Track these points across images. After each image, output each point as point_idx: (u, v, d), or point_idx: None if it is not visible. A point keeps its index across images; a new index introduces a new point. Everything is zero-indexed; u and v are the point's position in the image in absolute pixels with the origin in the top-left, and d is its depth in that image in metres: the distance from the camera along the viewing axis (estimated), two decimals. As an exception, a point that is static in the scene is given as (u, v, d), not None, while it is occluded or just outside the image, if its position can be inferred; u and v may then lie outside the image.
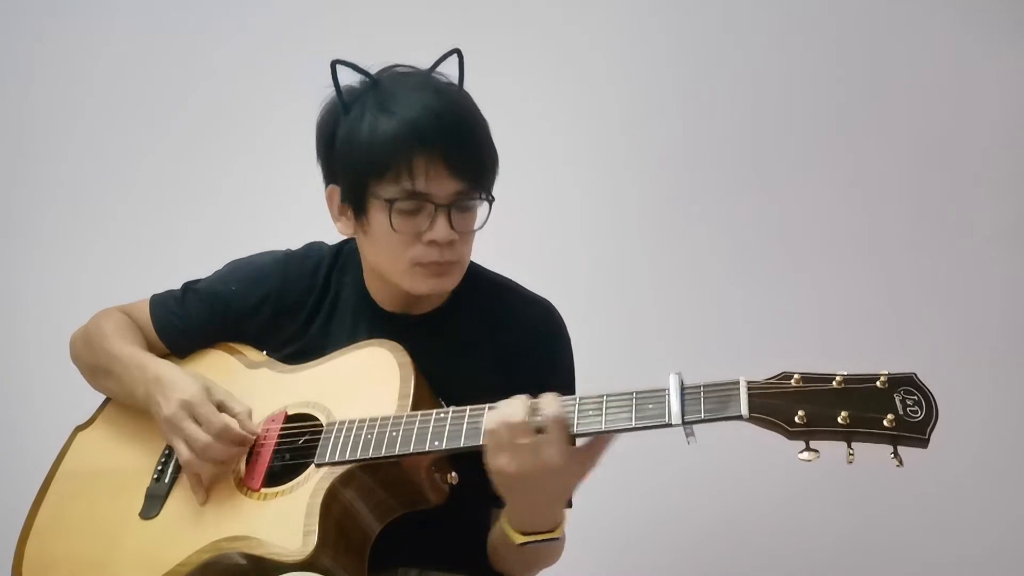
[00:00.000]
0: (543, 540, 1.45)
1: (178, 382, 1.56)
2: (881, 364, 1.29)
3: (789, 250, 2.50)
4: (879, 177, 2.48)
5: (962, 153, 2.46)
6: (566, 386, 1.62)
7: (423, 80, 1.57)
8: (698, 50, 2.53)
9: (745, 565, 2.45)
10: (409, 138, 1.50)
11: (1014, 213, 2.45)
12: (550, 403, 1.37)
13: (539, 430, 1.36)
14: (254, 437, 1.55)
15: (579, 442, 1.39)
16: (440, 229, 1.52)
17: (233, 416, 1.54)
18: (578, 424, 1.36)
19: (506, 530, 1.46)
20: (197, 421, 1.52)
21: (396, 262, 1.57)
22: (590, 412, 1.36)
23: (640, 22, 2.54)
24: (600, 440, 1.39)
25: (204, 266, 1.77)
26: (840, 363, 1.31)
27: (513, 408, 1.37)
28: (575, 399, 1.39)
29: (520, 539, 1.45)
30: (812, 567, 2.43)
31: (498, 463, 1.37)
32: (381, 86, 1.56)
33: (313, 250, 1.73)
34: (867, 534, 2.43)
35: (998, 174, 2.45)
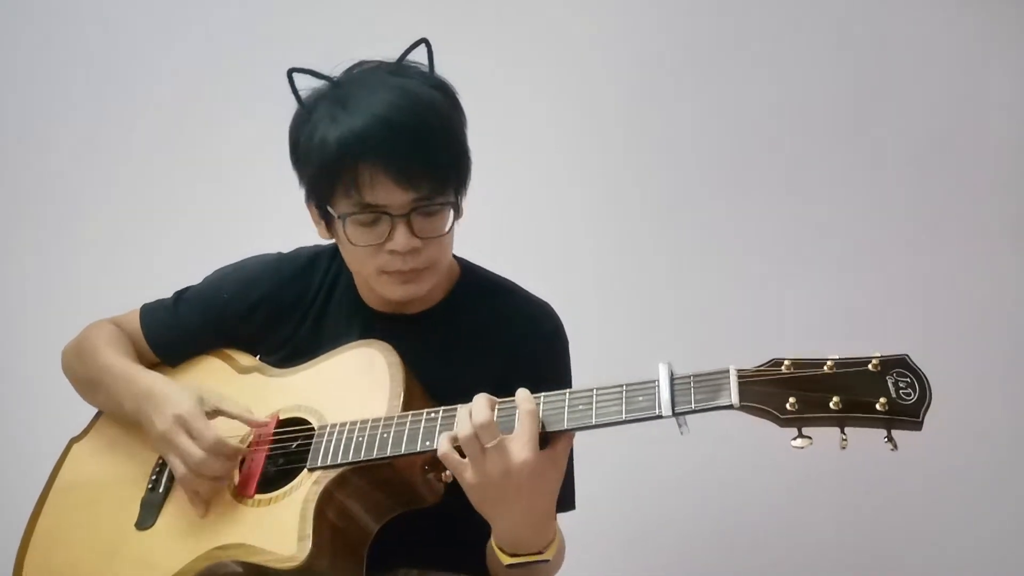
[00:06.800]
0: (532, 562, 1.40)
1: (171, 396, 1.54)
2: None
3: (790, 248, 2.46)
4: (881, 175, 2.44)
5: (965, 152, 2.43)
6: (563, 387, 1.59)
7: (384, 78, 1.51)
8: (699, 47, 2.49)
9: (743, 559, 2.43)
10: (352, 150, 1.44)
11: (1016, 212, 2.41)
12: (522, 399, 1.34)
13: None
14: (254, 436, 1.54)
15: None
16: (399, 239, 1.48)
17: (232, 418, 1.53)
18: (567, 419, 1.34)
19: (495, 549, 1.42)
20: (191, 436, 1.50)
21: (365, 270, 1.55)
22: (580, 407, 1.34)
23: (643, 12, 2.50)
24: (567, 436, 1.36)
25: (195, 273, 1.76)
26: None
27: (478, 408, 1.33)
28: (565, 394, 1.36)
29: (507, 560, 1.41)
30: (809, 561, 2.41)
31: (465, 477, 1.34)
32: (339, 90, 1.51)
33: (305, 251, 1.72)
34: (865, 527, 2.41)
35: (1000, 173, 2.42)
